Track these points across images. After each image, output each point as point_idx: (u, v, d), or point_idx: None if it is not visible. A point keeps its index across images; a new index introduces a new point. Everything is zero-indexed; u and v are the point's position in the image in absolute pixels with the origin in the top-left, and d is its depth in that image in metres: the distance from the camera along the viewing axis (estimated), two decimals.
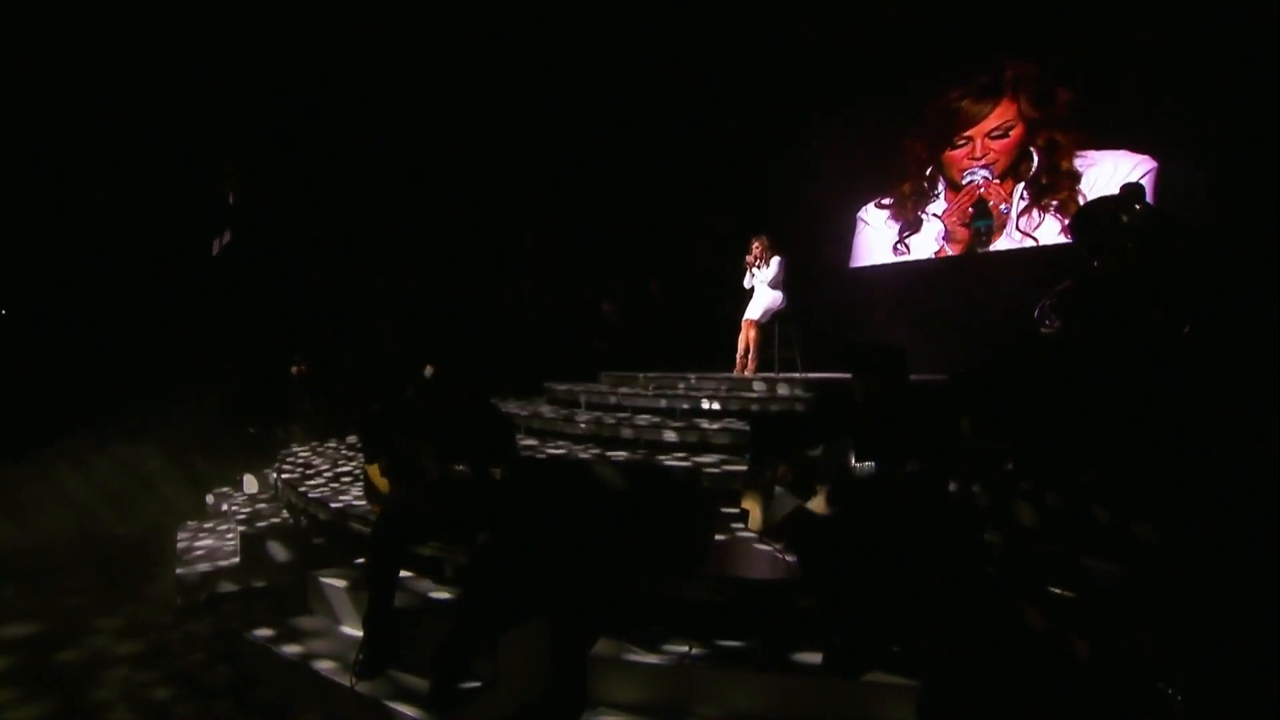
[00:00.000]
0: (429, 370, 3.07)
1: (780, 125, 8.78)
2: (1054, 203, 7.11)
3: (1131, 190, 5.30)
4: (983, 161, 7.64)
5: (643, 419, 5.56)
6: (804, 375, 6.28)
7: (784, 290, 6.47)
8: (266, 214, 10.28)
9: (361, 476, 3.15)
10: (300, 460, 5.66)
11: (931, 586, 2.05)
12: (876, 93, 8.07)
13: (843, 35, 8.11)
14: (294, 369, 8.66)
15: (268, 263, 9.94)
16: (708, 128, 9.07)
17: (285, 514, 4.55)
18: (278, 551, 3.97)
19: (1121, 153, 6.69)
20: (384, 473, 2.95)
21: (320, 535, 4.01)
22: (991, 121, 7.59)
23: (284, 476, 4.87)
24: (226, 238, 11.27)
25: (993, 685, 1.97)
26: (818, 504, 2.23)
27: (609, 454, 4.79)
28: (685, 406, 5.55)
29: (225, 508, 5.15)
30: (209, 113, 9.30)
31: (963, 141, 7.81)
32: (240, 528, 4.29)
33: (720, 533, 3.19)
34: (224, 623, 3.47)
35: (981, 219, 7.60)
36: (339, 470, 5.11)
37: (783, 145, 8.78)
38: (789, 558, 2.51)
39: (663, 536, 2.57)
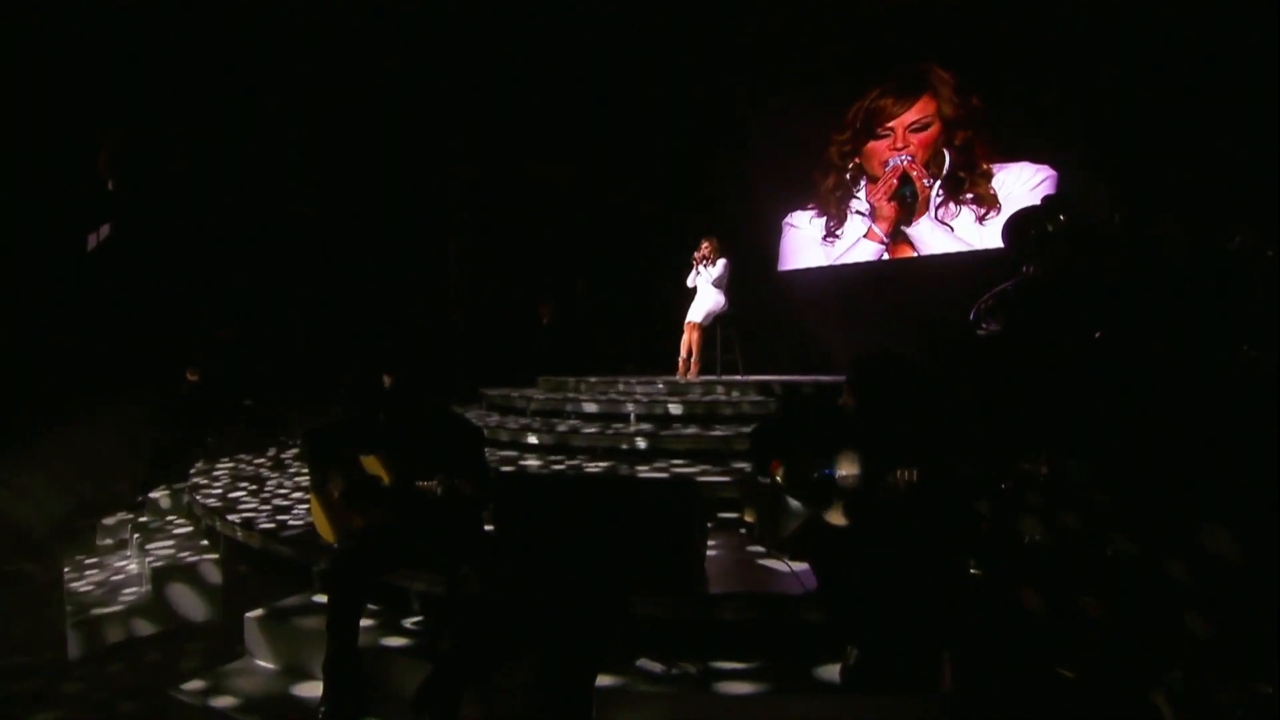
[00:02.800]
0: (387, 380, 2.80)
1: (709, 130, 8.82)
2: (969, 195, 7.46)
3: (1054, 201, 5.67)
4: (904, 152, 7.90)
5: (576, 422, 5.41)
6: (745, 377, 6.32)
7: (725, 293, 6.48)
8: (154, 203, 9.22)
9: (309, 503, 2.81)
10: (218, 477, 5.10)
11: (947, 597, 2.02)
12: (801, 98, 8.20)
13: (769, 41, 8.24)
14: (188, 376, 7.83)
15: (157, 260, 8.92)
16: (635, 131, 9.01)
17: (204, 540, 4.06)
18: (199, 586, 3.53)
19: (1024, 163, 7.12)
20: (341, 496, 2.66)
21: (249, 564, 3.60)
22: (911, 115, 7.86)
23: (201, 497, 4.36)
24: (105, 231, 10.10)
25: (1010, 695, 1.97)
26: (833, 515, 2.16)
27: (562, 463, 4.60)
28: (626, 410, 5.44)
29: (127, 535, 4.57)
30: (81, 80, 8.13)
31: (885, 133, 8.04)
32: (149, 558, 3.79)
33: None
34: (139, 673, 3.03)
35: (906, 186, 7.83)
36: (267, 487, 4.64)
37: (711, 149, 8.82)
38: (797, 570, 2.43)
39: (655, 553, 2.43)
